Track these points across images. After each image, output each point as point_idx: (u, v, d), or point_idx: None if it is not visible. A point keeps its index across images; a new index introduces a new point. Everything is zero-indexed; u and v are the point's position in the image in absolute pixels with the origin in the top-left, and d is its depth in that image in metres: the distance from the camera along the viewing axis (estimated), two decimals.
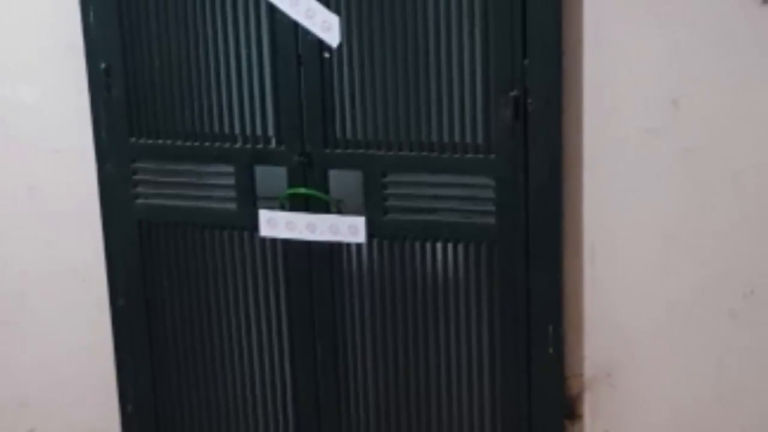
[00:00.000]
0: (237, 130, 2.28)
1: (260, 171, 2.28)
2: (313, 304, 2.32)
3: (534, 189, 2.13)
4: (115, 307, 2.46)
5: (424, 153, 2.17)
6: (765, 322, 2.13)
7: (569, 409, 2.28)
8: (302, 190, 2.26)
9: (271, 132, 2.26)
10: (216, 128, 2.29)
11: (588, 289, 2.21)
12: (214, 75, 2.26)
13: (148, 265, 2.41)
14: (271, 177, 2.28)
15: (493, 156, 2.13)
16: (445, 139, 2.16)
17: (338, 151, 2.22)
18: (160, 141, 2.34)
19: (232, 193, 2.31)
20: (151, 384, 2.48)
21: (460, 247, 2.20)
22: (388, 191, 2.21)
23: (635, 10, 2.06)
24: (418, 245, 2.23)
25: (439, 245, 2.22)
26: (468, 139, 2.14)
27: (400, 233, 2.23)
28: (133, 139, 2.35)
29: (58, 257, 2.54)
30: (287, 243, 2.30)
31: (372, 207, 2.23)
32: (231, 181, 2.30)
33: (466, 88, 2.12)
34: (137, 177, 2.37)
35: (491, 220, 2.16)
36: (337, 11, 2.14)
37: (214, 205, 2.34)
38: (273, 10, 2.17)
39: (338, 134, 2.22)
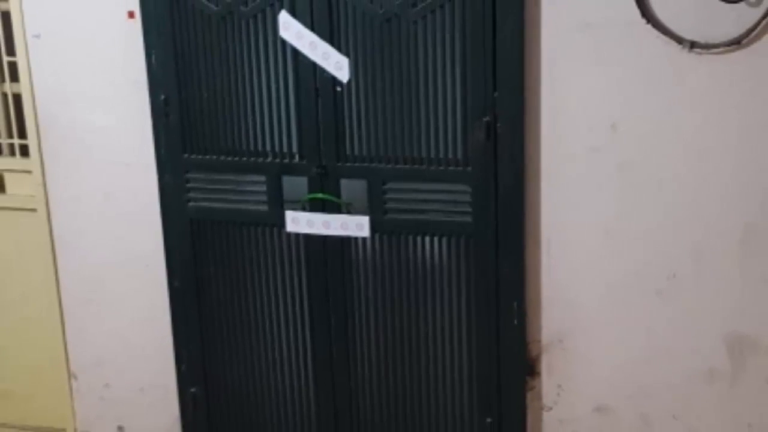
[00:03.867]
0: (268, 148, 2.27)
1: (286, 180, 2.28)
2: (327, 284, 2.31)
3: (502, 194, 2.13)
4: (171, 287, 2.45)
5: (416, 166, 2.17)
6: (684, 299, 2.14)
7: (530, 367, 2.28)
8: (319, 195, 2.25)
9: (295, 149, 2.25)
10: (251, 146, 2.28)
11: (544, 273, 2.22)
12: (250, 104, 2.25)
13: (198, 254, 2.40)
14: (295, 185, 2.27)
15: (469, 168, 2.13)
16: (432, 154, 2.15)
17: (348, 164, 2.22)
18: (207, 156, 2.32)
19: (264, 198, 2.30)
20: (201, 348, 2.46)
21: (444, 240, 2.20)
22: (387, 196, 2.21)
23: (582, 53, 2.07)
24: (411, 239, 2.23)
25: (427, 239, 2.22)
26: (450, 155, 2.14)
27: (397, 229, 2.23)
28: (186, 155, 2.34)
29: (127, 248, 2.53)
30: (307, 237, 2.29)
31: (374, 208, 2.23)
32: (263, 188, 2.30)
33: (449, 114, 2.12)
34: (189, 185, 2.36)
35: (468, 219, 2.16)
36: (347, 54, 2.15)
37: (249, 207, 2.33)
38: (296, 53, 2.18)
39: (348, 151, 2.21)
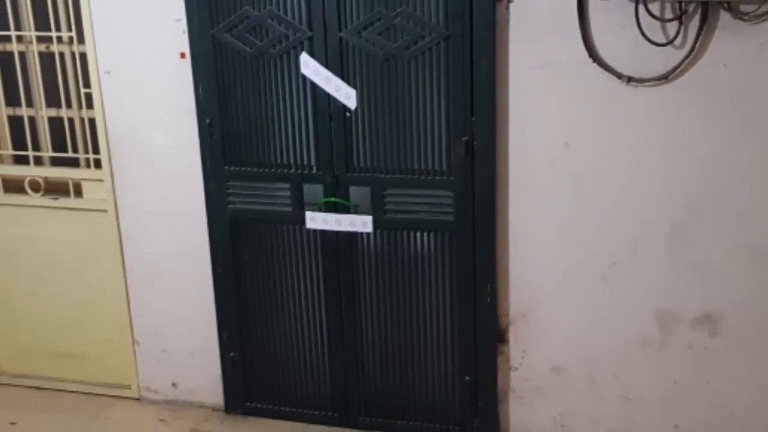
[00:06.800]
0: (291, 161, 2.30)
1: (306, 187, 2.31)
2: (339, 270, 2.35)
3: (478, 198, 2.18)
4: (215, 273, 2.47)
5: (409, 175, 2.21)
6: (623, 282, 2.19)
7: (500, 336, 2.32)
8: (332, 199, 2.29)
9: (313, 162, 2.28)
10: (278, 160, 2.31)
11: (512, 261, 2.26)
12: (277, 126, 2.28)
13: (236, 246, 2.42)
14: (313, 191, 2.31)
15: (452, 177, 2.18)
16: (422, 166, 2.20)
17: (355, 174, 2.25)
18: (243, 168, 2.34)
19: (288, 201, 2.33)
20: (238, 321, 2.48)
21: (431, 235, 2.25)
22: (387, 200, 2.25)
23: (541, 86, 2.11)
24: (405, 234, 2.27)
25: (418, 234, 2.26)
26: (436, 167, 2.19)
27: (394, 226, 2.27)
28: (226, 167, 2.36)
29: (179, 241, 2.54)
30: (323, 232, 2.32)
31: (376, 209, 2.27)
32: (288, 193, 2.33)
33: (435, 134, 2.16)
34: (229, 191, 2.38)
35: (451, 218, 2.21)
36: (354, 86, 2.19)
37: (277, 208, 2.35)
38: (314, 86, 2.22)
39: (355, 164, 2.25)
